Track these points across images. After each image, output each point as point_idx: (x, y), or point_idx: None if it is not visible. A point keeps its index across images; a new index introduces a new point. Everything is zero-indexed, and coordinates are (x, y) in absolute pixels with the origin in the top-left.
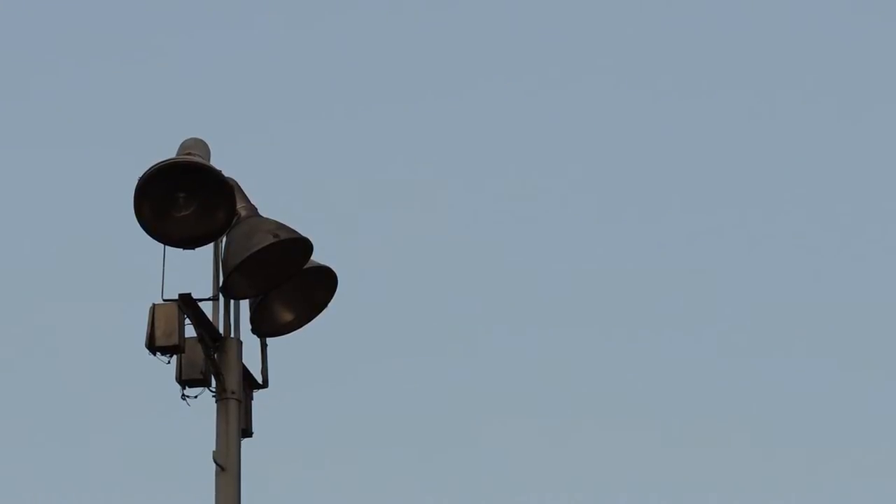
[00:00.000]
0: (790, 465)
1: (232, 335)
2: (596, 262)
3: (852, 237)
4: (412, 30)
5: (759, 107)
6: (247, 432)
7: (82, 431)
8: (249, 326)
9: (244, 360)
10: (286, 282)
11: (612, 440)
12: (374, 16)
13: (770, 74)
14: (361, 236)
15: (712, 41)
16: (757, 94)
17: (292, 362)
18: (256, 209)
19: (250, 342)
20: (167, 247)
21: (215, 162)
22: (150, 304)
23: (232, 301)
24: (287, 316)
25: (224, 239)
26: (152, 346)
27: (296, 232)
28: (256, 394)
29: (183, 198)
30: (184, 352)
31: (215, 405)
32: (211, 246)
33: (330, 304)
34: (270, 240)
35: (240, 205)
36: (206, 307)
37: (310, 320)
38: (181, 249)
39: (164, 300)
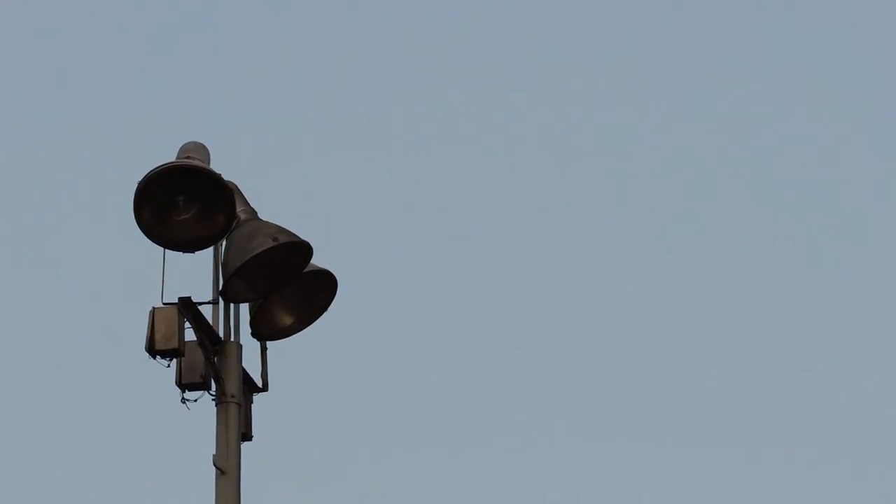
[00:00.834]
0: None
1: (232, 339)
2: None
3: None
4: (413, 32)
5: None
6: (247, 436)
7: (82, 434)
8: (249, 330)
9: (244, 364)
10: (286, 285)
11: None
12: (374, 17)
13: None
14: (361, 238)
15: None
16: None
17: (292, 366)
18: (256, 213)
19: (250, 346)
20: (167, 250)
21: (215, 165)
22: (150, 308)
23: (232, 304)
24: (287, 319)
25: (224, 242)
26: (152, 350)
27: (295, 235)
28: (256, 397)
29: (183, 201)
30: (184, 355)
31: (215, 409)
32: (211, 249)
33: (330, 308)
34: (270, 243)
35: (239, 208)
36: (206, 311)
37: (310, 324)
38: (181, 253)
39: (164, 304)
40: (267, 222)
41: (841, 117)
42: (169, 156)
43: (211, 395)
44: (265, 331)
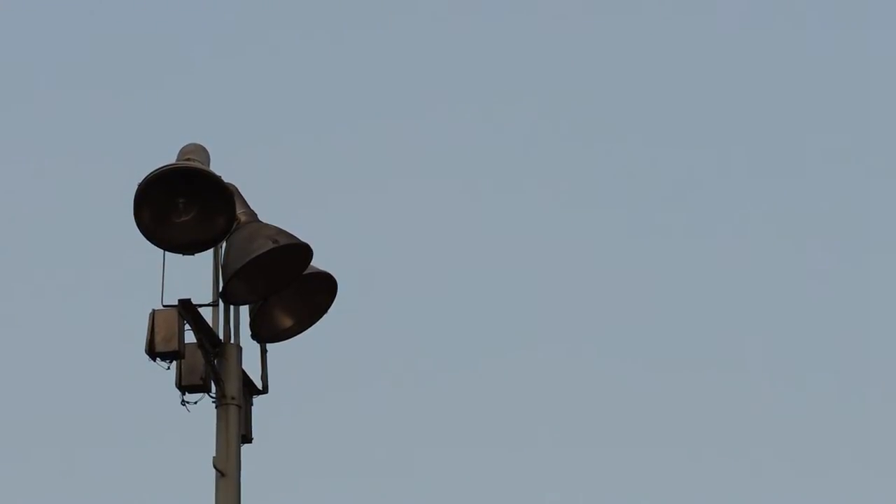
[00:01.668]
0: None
1: (232, 341)
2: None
3: None
4: (414, 35)
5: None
6: (247, 438)
7: (82, 436)
8: (249, 332)
9: (244, 366)
10: (286, 287)
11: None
12: (374, 20)
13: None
14: (361, 241)
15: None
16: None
17: (292, 368)
18: (256, 215)
19: (250, 348)
20: (167, 252)
21: (215, 167)
22: (150, 310)
23: (232, 306)
24: (287, 321)
25: (224, 244)
26: (152, 352)
27: (295, 237)
28: (256, 399)
29: (183, 203)
30: (184, 357)
31: (215, 411)
32: (211, 251)
33: (330, 310)
34: (270, 245)
35: (239, 210)
36: (206, 313)
37: (310, 326)
38: (181, 255)
39: (164, 306)
40: (267, 224)
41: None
42: (169, 157)
43: (211, 397)
44: (265, 333)
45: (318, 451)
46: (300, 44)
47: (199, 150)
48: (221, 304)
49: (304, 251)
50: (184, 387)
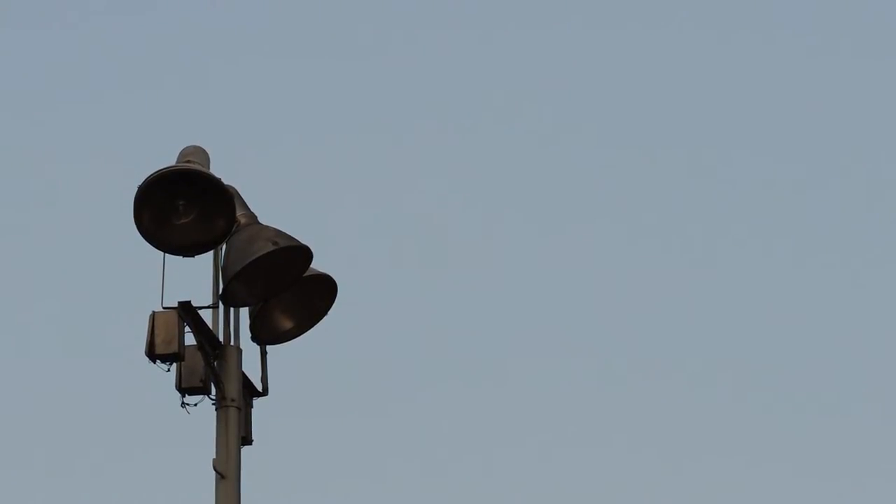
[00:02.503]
0: None
1: (232, 343)
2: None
3: None
4: (414, 36)
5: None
6: (247, 440)
7: (82, 438)
8: (249, 334)
9: (244, 368)
10: (286, 289)
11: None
12: (374, 22)
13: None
14: (361, 243)
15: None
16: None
17: (292, 370)
18: (256, 217)
19: (250, 350)
20: (167, 254)
21: (215, 169)
22: (150, 312)
23: (232, 309)
24: (287, 324)
25: (224, 246)
26: (152, 354)
27: (295, 240)
28: (256, 401)
29: (182, 205)
30: (183, 359)
31: (215, 413)
32: (210, 254)
33: (330, 312)
34: (270, 247)
35: (239, 212)
36: (206, 315)
37: (310, 328)
38: (181, 257)
39: (164, 308)
40: (267, 226)
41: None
42: (169, 159)
43: (211, 399)
44: (265, 335)
45: (318, 453)
46: (300, 45)
47: (199, 152)
48: (221, 306)
49: (305, 253)
50: (184, 389)
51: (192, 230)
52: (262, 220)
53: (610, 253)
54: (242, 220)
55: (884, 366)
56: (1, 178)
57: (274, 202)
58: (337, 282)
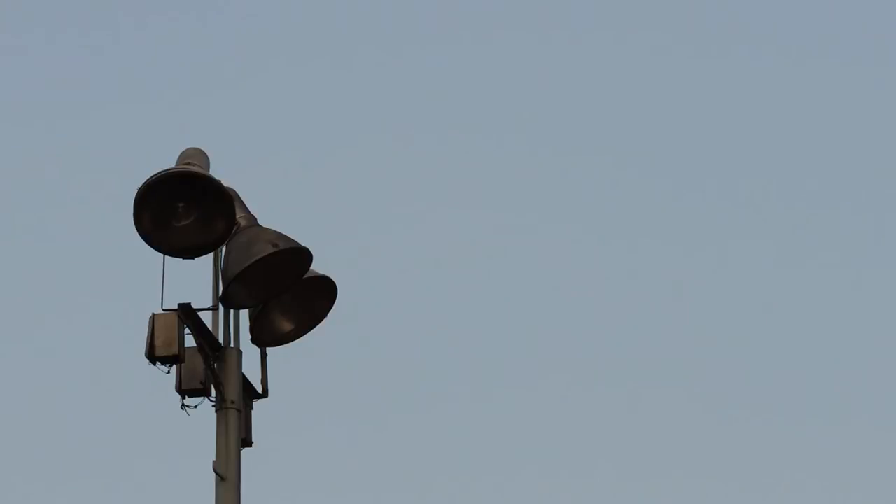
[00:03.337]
0: None
1: (232, 345)
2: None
3: None
4: (415, 39)
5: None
6: (247, 442)
7: (82, 440)
8: (249, 336)
9: (244, 370)
10: (286, 291)
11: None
12: (375, 22)
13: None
14: (361, 245)
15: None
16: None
17: (292, 372)
18: (256, 219)
19: (250, 352)
20: (167, 256)
21: (215, 171)
22: (150, 314)
23: (232, 311)
24: (287, 326)
25: (224, 249)
26: (152, 356)
27: (295, 242)
28: (256, 403)
29: (182, 207)
30: (183, 362)
31: (215, 415)
32: (210, 256)
33: (330, 314)
34: (270, 250)
35: (239, 214)
36: (206, 317)
37: (309, 330)
38: (181, 259)
39: (164, 310)
40: (267, 228)
41: None
42: (169, 162)
43: (211, 401)
44: (265, 337)
45: (318, 455)
46: (301, 47)
47: (199, 155)
48: (221, 308)
49: (304, 255)
50: (184, 391)
51: (192, 232)
52: (262, 222)
53: (610, 253)
54: (242, 222)
55: (884, 367)
56: (2, 180)
57: (274, 204)
58: (337, 284)
